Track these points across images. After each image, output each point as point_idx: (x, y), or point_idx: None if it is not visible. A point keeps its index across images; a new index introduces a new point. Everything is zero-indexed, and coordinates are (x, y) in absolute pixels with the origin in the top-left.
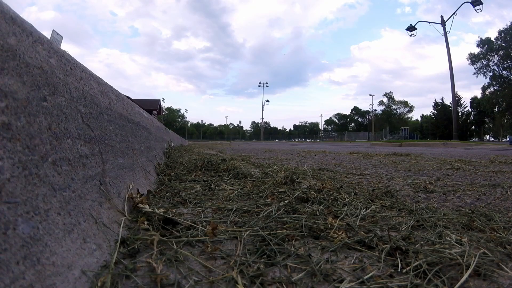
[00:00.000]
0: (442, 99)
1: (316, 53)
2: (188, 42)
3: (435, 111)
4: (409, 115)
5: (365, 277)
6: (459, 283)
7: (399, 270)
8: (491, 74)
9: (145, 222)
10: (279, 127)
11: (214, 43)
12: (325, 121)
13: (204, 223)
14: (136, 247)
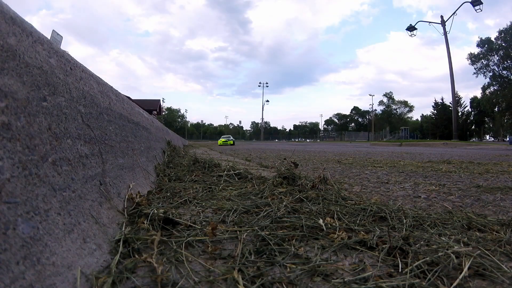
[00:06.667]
0: (442, 99)
1: (323, 55)
2: (202, 41)
3: (435, 111)
4: (409, 115)
5: (365, 275)
6: (455, 283)
7: (399, 270)
8: (491, 74)
9: (145, 222)
10: (279, 127)
11: (230, 42)
12: (325, 121)
13: (204, 223)
14: (136, 247)
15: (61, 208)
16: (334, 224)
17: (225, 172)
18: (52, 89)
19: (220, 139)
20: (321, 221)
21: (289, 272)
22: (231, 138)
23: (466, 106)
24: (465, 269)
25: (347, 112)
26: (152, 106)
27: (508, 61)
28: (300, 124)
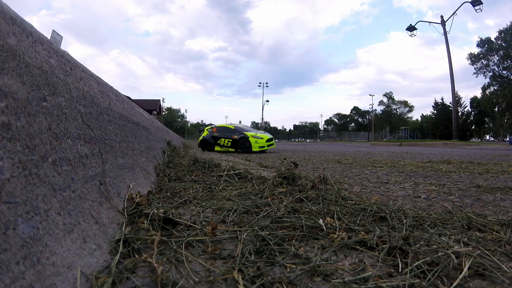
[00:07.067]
0: (442, 99)
1: (323, 55)
2: (202, 41)
3: (435, 111)
4: (409, 115)
5: (365, 275)
6: (455, 283)
7: (399, 270)
8: (491, 74)
9: (145, 222)
10: (279, 127)
11: (230, 42)
12: (325, 121)
13: (204, 223)
14: (136, 247)
15: (61, 208)
16: (334, 224)
17: (225, 172)
18: (52, 89)
19: (254, 137)
20: (321, 221)
21: (289, 272)
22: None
23: (466, 106)
24: (465, 269)
25: (347, 112)
26: (152, 106)
27: (508, 61)
28: (300, 124)
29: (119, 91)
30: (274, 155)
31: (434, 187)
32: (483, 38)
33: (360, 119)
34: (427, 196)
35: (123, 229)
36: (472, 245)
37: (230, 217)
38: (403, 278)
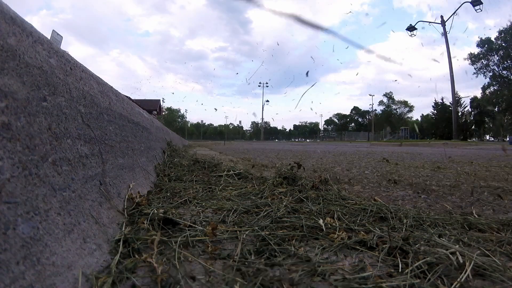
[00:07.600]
0: (442, 99)
1: (323, 55)
2: (202, 41)
3: (435, 111)
4: (409, 115)
5: (364, 275)
6: (456, 283)
7: (399, 270)
8: (491, 74)
9: (145, 222)
10: (279, 127)
11: (230, 42)
12: (325, 121)
13: (204, 223)
14: (136, 247)
15: (61, 208)
16: (334, 224)
17: (225, 172)
18: (52, 89)
19: None
20: (321, 221)
21: (289, 272)
22: None
23: (466, 106)
24: (466, 269)
25: (347, 112)
26: (152, 106)
27: (508, 61)
28: (300, 124)
29: (119, 91)
30: (274, 155)
31: (434, 187)
32: (483, 38)
33: (360, 119)
34: (427, 196)
35: (123, 229)
36: (472, 245)
37: (230, 217)
38: (403, 278)
